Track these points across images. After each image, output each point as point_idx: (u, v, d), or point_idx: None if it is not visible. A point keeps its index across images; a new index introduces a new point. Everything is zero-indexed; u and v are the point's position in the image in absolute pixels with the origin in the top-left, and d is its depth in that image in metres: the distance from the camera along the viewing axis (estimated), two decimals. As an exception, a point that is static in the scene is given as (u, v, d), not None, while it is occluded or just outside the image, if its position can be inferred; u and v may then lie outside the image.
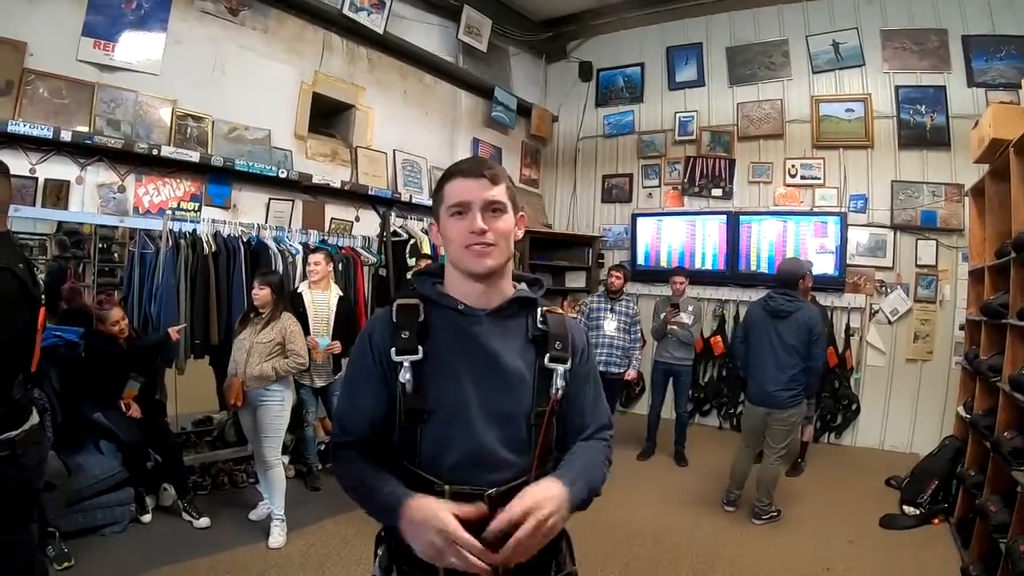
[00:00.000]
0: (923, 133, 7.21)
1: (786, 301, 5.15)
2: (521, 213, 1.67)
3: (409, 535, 1.43)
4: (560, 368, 1.58)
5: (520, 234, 1.66)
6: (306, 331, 5.13)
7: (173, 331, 4.72)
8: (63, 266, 5.16)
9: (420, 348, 1.54)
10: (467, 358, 1.56)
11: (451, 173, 1.62)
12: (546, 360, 1.59)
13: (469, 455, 1.52)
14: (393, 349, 1.55)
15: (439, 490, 1.49)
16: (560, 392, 1.57)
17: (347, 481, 1.62)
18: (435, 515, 1.39)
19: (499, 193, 1.57)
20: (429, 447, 1.53)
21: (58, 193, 4.78)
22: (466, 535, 1.36)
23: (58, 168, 4.80)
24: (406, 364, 1.52)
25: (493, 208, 1.56)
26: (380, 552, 1.64)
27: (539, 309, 1.65)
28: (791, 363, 5.08)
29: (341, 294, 5.63)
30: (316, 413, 5.65)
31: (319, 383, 5.48)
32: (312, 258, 5.41)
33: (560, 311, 1.69)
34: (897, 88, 7.33)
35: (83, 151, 4.88)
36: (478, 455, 1.52)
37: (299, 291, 5.38)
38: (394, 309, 1.62)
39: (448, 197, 1.59)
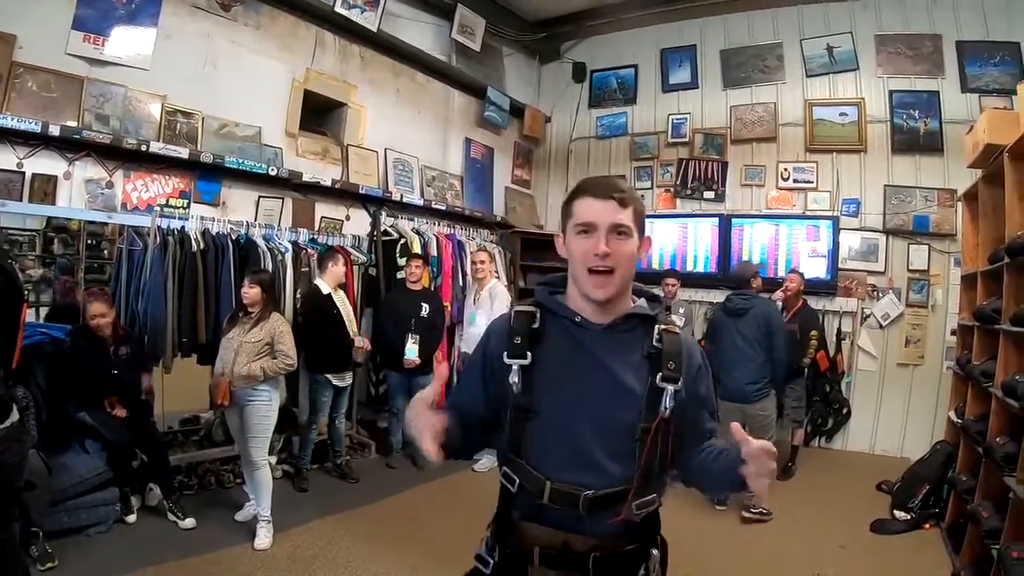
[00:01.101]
0: (916, 138, 7.22)
1: (742, 300, 5.50)
2: (647, 235, 1.72)
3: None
4: (670, 388, 1.61)
5: (644, 257, 1.72)
6: (344, 333, 5.42)
7: (146, 380, 4.71)
8: (71, 263, 5.14)
9: (529, 354, 1.64)
10: (579, 367, 1.65)
11: (582, 190, 1.68)
12: (658, 379, 1.62)
13: (570, 456, 1.61)
14: (505, 353, 1.65)
15: (541, 485, 1.59)
16: (668, 412, 1.60)
17: None
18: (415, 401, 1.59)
19: (626, 217, 1.62)
20: (536, 445, 1.64)
21: (46, 188, 4.72)
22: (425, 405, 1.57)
23: (46, 163, 4.74)
24: (515, 367, 1.63)
25: (619, 231, 1.61)
26: (488, 533, 1.76)
27: (656, 327, 1.68)
28: (754, 356, 5.39)
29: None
30: (325, 416, 5.66)
31: (348, 379, 5.64)
32: (336, 259, 5.55)
33: (676, 330, 1.71)
34: (891, 93, 7.35)
35: (71, 146, 4.82)
36: (578, 457, 1.60)
37: (327, 293, 5.42)
38: (512, 315, 1.73)
39: (576, 215, 1.65)
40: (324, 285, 5.44)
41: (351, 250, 6.45)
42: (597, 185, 1.66)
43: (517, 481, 1.64)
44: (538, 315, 1.69)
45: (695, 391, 1.70)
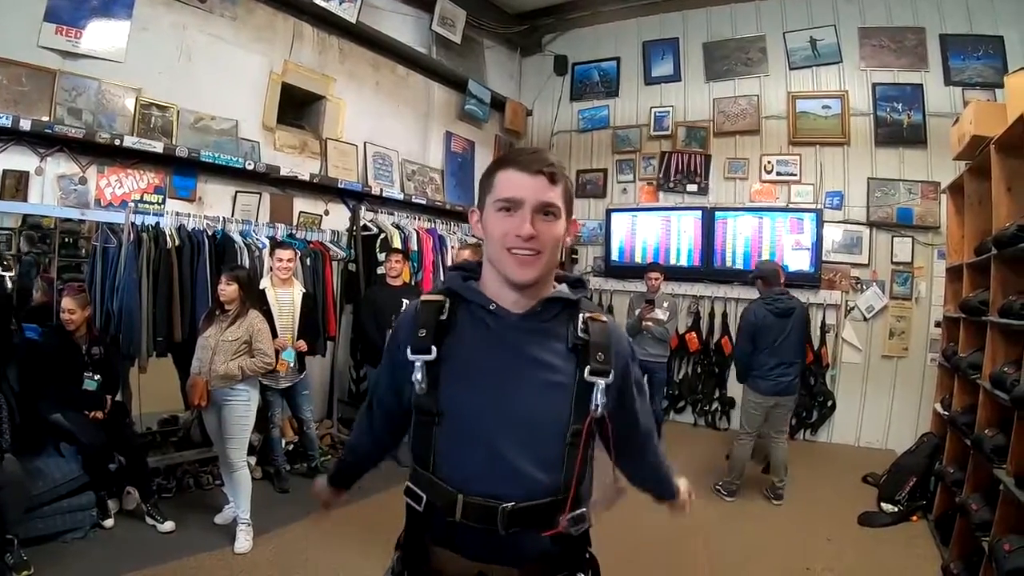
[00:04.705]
0: (900, 131, 7.24)
1: (788, 300, 5.53)
2: (574, 218, 1.57)
3: None
4: (601, 382, 1.47)
5: (570, 241, 1.58)
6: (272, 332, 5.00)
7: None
8: (37, 260, 5.02)
9: (434, 348, 1.47)
10: (493, 362, 1.48)
11: (506, 161, 1.51)
12: (587, 373, 1.47)
13: (486, 465, 1.44)
14: (409, 347, 1.49)
15: (451, 499, 1.43)
16: (600, 409, 1.46)
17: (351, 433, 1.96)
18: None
19: (556, 196, 1.47)
20: (444, 452, 1.47)
21: (17, 184, 4.60)
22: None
23: (17, 159, 4.63)
24: (418, 364, 1.47)
25: (546, 211, 1.46)
26: (395, 558, 1.61)
27: (581, 315, 1.53)
28: (798, 352, 5.63)
29: (304, 290, 5.50)
30: (283, 414, 5.53)
31: (283, 384, 5.35)
32: (282, 254, 5.25)
33: (604, 318, 1.56)
34: (874, 86, 7.37)
35: (43, 141, 4.70)
36: (496, 466, 1.44)
37: (262, 288, 5.21)
38: (418, 305, 1.56)
39: (498, 189, 1.48)
40: (265, 280, 5.33)
41: (330, 245, 6.36)
42: (526, 157, 1.49)
43: (424, 498, 1.49)
44: (447, 304, 1.53)
45: (627, 385, 1.58)
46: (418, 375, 1.46)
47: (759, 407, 5.57)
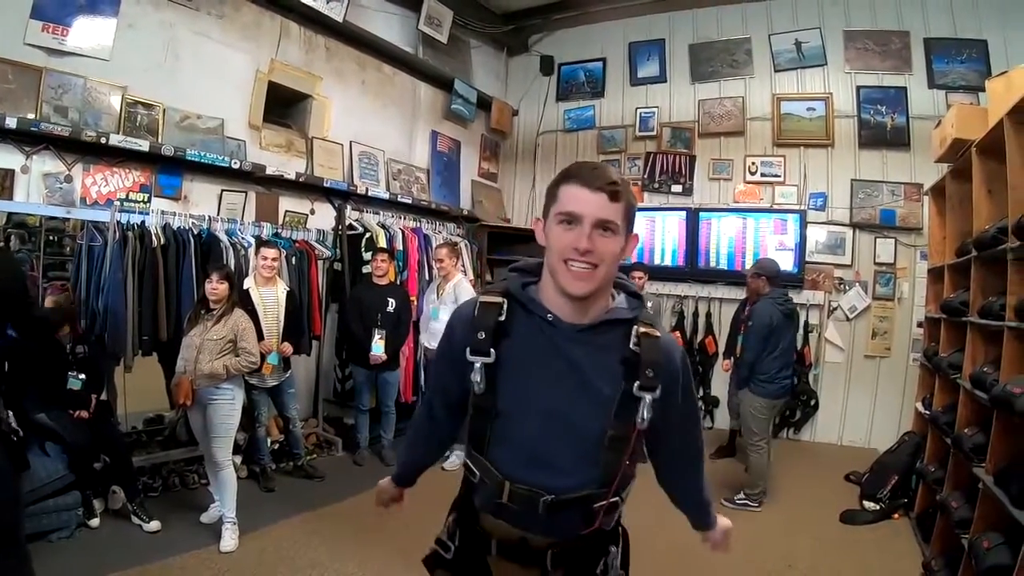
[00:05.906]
0: (883, 133, 7.30)
1: (791, 301, 5.59)
2: (635, 233, 1.60)
3: None
4: (648, 397, 1.52)
5: (629, 255, 1.61)
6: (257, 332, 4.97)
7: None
8: (28, 258, 4.99)
9: (493, 351, 1.56)
10: (548, 369, 1.56)
11: (571, 175, 1.54)
12: (635, 387, 1.52)
13: (533, 459, 1.56)
14: (467, 348, 1.57)
15: (500, 485, 1.58)
16: (646, 423, 1.52)
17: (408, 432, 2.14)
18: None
19: (615, 213, 1.49)
20: (497, 444, 1.60)
21: (2, 182, 4.58)
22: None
23: (2, 156, 4.61)
24: (477, 365, 1.56)
25: (605, 227, 1.49)
26: (450, 519, 1.80)
27: (635, 329, 1.57)
28: (793, 353, 5.71)
29: (288, 289, 5.47)
30: (268, 413, 5.52)
31: (270, 382, 5.32)
32: (267, 252, 5.22)
33: (658, 333, 1.59)
34: (858, 88, 7.42)
35: (29, 138, 4.68)
36: (541, 460, 1.55)
37: (246, 288, 5.18)
38: (476, 306, 1.62)
39: (561, 202, 1.52)
40: (249, 279, 5.31)
41: (316, 244, 6.35)
42: (588, 173, 1.51)
43: (478, 475, 1.63)
44: (505, 307, 1.59)
45: (672, 403, 1.59)
46: (477, 376, 1.56)
47: (767, 411, 5.46)
